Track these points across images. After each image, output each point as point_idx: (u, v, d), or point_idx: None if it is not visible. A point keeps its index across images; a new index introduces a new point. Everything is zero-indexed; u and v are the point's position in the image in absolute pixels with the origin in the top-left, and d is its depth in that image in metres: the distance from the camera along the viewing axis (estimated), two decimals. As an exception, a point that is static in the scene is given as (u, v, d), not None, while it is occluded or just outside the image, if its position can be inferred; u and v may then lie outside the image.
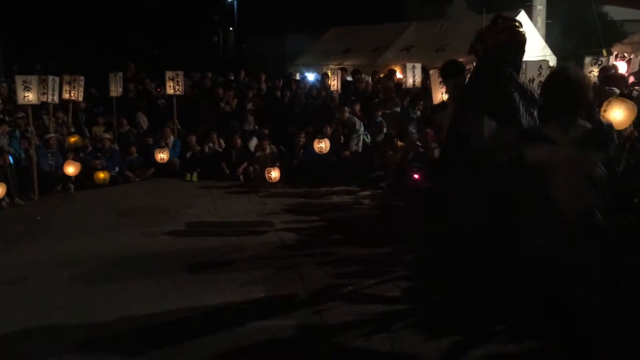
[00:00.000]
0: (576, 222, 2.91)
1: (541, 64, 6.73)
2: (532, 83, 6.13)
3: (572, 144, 2.91)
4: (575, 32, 17.76)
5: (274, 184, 9.61)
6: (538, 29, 14.16)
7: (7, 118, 9.27)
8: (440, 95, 7.01)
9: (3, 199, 8.19)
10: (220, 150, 10.70)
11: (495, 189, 3.55)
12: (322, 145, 9.81)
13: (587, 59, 7.38)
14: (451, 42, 13.60)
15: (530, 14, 14.37)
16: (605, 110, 5.47)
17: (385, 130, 10.28)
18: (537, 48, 12.59)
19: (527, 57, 6.89)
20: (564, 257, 2.93)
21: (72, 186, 9.29)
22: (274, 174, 9.69)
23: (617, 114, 5.35)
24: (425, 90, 9.84)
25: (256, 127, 11.35)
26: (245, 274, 5.43)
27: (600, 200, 2.92)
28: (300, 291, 5.01)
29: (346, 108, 10.34)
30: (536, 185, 2.96)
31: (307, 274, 5.39)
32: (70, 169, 9.11)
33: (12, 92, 9.67)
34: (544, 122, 3.28)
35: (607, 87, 6.02)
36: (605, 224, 2.94)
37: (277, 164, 9.90)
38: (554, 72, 3.44)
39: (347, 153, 9.95)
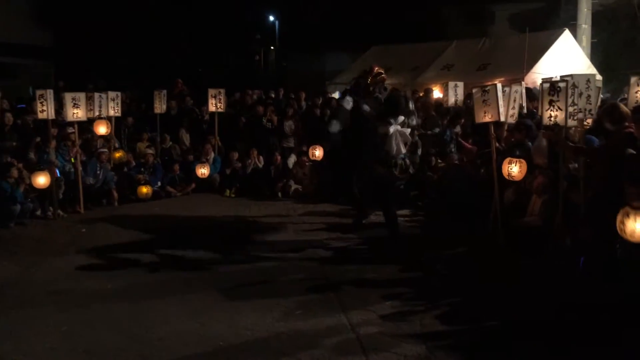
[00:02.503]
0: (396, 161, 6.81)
1: (589, 77, 6.61)
2: (581, 97, 6.01)
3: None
4: (621, 51, 17.35)
5: (312, 202, 9.64)
6: (583, 48, 13.91)
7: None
8: (483, 114, 6.91)
9: (49, 209, 8.50)
10: (259, 167, 10.82)
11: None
12: (317, 153, 9.69)
13: (633, 79, 7.17)
14: (493, 60, 13.48)
15: (575, 33, 14.13)
16: (622, 222, 4.63)
17: (420, 150, 10.20)
18: (582, 67, 12.35)
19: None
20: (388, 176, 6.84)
21: (116, 200, 9.53)
22: (318, 152, 9.66)
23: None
24: (467, 109, 9.76)
25: (295, 145, 11.44)
26: (282, 291, 5.44)
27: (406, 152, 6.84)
28: (338, 311, 4.98)
29: None
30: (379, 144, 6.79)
31: (345, 294, 5.37)
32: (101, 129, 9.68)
33: (61, 107, 10.00)
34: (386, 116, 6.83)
35: None
36: (408, 164, 6.90)
37: (315, 180, 9.93)
38: (393, 95, 7.34)
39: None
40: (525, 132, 7.19)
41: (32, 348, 4.27)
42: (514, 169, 6.57)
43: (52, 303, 5.17)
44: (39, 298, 5.28)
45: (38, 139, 9.21)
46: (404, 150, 6.80)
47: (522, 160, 6.62)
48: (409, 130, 6.94)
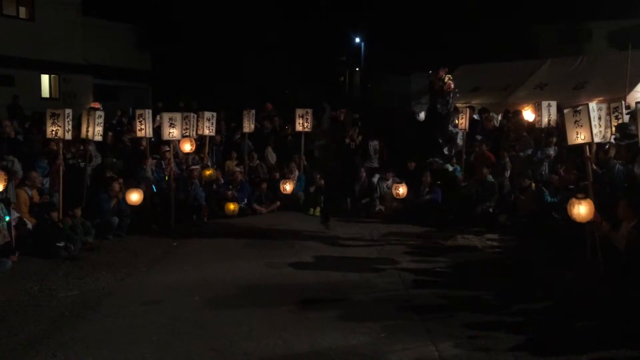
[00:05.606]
0: None
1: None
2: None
3: None
4: None
5: (398, 222, 9.50)
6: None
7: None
8: (575, 135, 6.52)
9: (152, 223, 8.99)
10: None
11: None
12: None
13: None
14: (591, 78, 12.82)
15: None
16: None
17: (508, 172, 9.82)
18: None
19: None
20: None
21: (205, 215, 9.84)
22: (402, 190, 9.64)
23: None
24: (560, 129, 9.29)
25: (380, 165, 11.35)
26: (365, 311, 5.37)
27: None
28: (421, 332, 4.85)
29: (487, 169, 9.69)
30: None
31: (428, 316, 5.23)
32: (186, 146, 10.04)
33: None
34: None
35: None
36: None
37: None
38: None
39: (479, 210, 9.38)
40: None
41: (125, 356, 4.44)
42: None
43: (144, 313, 5.37)
44: (132, 308, 5.50)
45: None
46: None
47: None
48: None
